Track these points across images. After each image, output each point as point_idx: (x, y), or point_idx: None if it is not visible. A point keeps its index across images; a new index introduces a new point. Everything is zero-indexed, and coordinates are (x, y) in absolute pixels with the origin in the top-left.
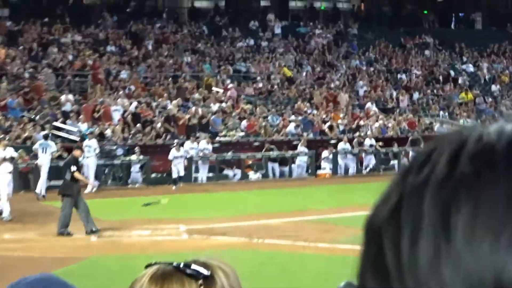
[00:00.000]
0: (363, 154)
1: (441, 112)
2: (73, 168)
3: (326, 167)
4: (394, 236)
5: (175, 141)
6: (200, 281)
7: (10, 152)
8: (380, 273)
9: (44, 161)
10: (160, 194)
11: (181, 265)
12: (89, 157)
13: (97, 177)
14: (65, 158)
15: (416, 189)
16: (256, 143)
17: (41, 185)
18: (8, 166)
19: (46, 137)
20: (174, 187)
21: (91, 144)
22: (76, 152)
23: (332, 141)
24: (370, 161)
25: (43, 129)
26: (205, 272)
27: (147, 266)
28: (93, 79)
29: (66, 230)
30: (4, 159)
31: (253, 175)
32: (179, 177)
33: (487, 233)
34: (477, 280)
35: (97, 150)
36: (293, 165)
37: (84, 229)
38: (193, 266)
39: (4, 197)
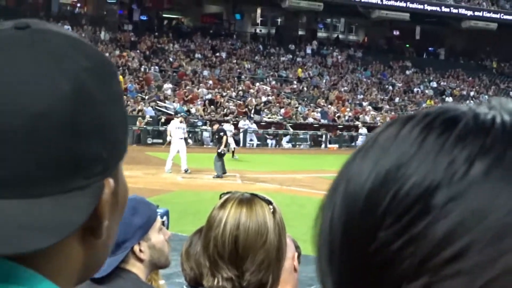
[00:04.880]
0: (359, 136)
1: (412, 112)
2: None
3: (333, 142)
4: None
5: (229, 118)
6: (271, 206)
7: (183, 125)
8: None
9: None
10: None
11: (256, 194)
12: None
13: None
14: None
15: None
16: (290, 124)
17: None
18: (181, 133)
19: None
20: (232, 157)
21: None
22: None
23: (340, 127)
24: (363, 140)
25: (148, 105)
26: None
27: (221, 195)
28: (185, 75)
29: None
30: (178, 128)
31: (285, 144)
32: (234, 148)
33: None
34: None
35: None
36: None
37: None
38: (262, 196)
39: (182, 155)
